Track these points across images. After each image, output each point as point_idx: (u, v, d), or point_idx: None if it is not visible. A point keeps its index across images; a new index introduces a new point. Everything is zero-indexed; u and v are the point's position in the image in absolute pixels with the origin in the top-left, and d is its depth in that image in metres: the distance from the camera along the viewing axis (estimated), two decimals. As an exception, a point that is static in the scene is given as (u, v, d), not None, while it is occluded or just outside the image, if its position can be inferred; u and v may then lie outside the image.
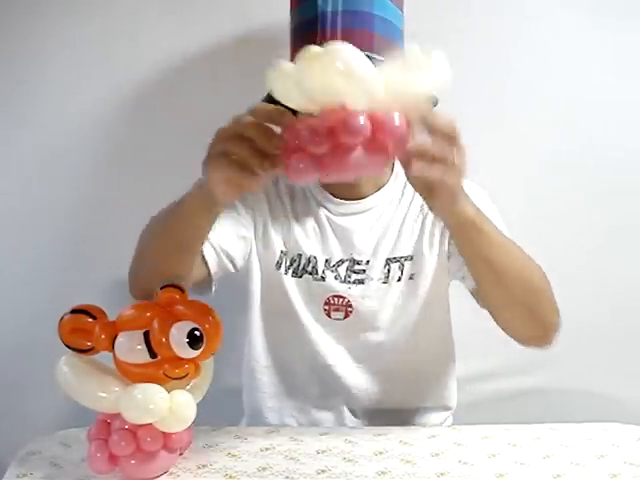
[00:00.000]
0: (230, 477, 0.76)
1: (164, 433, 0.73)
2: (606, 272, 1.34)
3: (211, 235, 0.90)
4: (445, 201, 0.73)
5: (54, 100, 1.29)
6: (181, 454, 0.79)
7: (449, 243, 0.99)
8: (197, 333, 0.69)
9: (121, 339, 0.72)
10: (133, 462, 0.73)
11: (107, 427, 0.74)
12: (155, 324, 0.70)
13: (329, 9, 0.91)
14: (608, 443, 0.84)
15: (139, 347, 0.70)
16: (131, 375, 0.72)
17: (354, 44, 0.86)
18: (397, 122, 0.62)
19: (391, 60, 0.66)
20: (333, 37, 0.90)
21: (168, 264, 0.85)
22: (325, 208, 1.02)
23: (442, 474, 0.76)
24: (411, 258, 1.00)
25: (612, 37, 1.27)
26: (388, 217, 1.02)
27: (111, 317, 0.74)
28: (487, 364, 1.33)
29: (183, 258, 0.87)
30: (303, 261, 1.01)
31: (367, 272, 1.00)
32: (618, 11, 1.25)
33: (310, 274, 1.00)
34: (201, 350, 0.70)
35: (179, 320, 0.70)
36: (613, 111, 1.29)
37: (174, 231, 0.83)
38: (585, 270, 1.34)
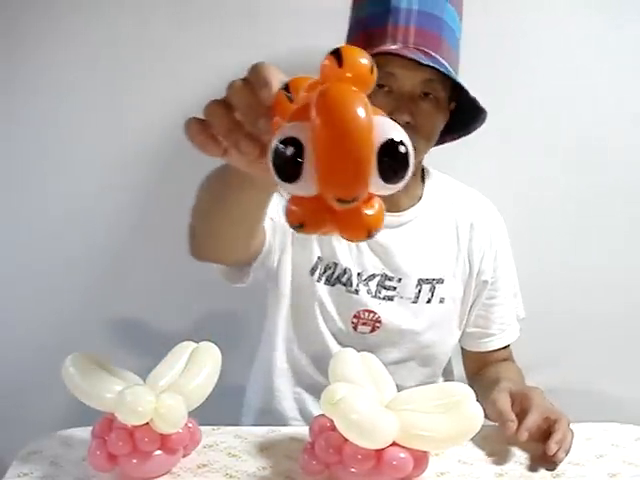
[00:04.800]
0: (230, 477, 0.76)
1: (162, 434, 0.73)
2: (606, 272, 1.34)
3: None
4: None
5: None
6: (185, 455, 0.79)
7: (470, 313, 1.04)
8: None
9: None
10: (135, 461, 0.73)
11: (110, 426, 0.74)
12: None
13: (404, 5, 0.89)
14: (607, 443, 0.84)
15: None
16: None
17: (426, 45, 0.88)
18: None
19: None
20: (406, 33, 0.88)
21: (225, 239, 0.76)
22: None
23: (442, 474, 0.76)
24: (442, 281, 1.00)
25: (614, 36, 1.27)
26: (424, 234, 1.01)
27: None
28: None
29: (241, 231, 0.76)
30: (338, 271, 0.99)
31: (398, 290, 0.99)
32: (621, 8, 1.25)
33: (344, 285, 0.99)
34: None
35: None
36: (616, 109, 1.29)
37: (226, 205, 0.67)
38: (585, 270, 1.34)
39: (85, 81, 1.26)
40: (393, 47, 0.88)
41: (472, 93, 0.91)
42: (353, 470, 0.70)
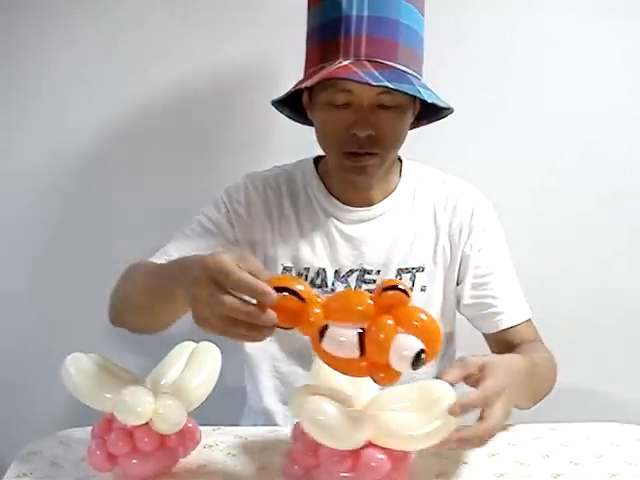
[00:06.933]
0: (230, 477, 0.76)
1: (162, 434, 0.73)
2: (606, 273, 1.34)
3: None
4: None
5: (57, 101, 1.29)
6: (185, 455, 0.79)
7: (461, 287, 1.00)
8: (422, 356, 0.62)
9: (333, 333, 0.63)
10: (134, 461, 0.73)
11: (110, 426, 0.74)
12: (377, 327, 0.63)
13: (354, 13, 0.86)
14: (607, 443, 0.84)
15: (350, 345, 0.63)
16: (332, 362, 0.66)
17: (380, 55, 0.86)
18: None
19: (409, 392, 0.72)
20: (357, 44, 0.86)
21: (151, 321, 0.86)
22: (334, 217, 1.00)
23: (442, 474, 0.76)
24: (422, 269, 0.99)
25: (614, 37, 1.27)
26: (399, 225, 1.00)
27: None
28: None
29: (168, 317, 0.83)
30: (311, 275, 0.98)
31: (378, 282, 0.98)
32: (620, 10, 1.25)
33: (319, 287, 0.98)
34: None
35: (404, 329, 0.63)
36: (616, 111, 1.29)
37: (156, 306, 0.80)
38: (585, 270, 1.34)
39: (83, 74, 1.27)
40: (345, 63, 0.86)
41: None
42: (332, 473, 0.69)
